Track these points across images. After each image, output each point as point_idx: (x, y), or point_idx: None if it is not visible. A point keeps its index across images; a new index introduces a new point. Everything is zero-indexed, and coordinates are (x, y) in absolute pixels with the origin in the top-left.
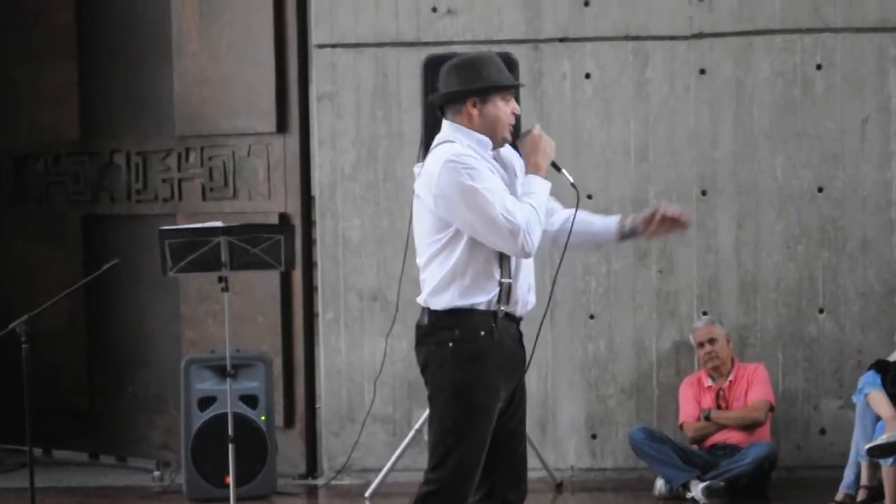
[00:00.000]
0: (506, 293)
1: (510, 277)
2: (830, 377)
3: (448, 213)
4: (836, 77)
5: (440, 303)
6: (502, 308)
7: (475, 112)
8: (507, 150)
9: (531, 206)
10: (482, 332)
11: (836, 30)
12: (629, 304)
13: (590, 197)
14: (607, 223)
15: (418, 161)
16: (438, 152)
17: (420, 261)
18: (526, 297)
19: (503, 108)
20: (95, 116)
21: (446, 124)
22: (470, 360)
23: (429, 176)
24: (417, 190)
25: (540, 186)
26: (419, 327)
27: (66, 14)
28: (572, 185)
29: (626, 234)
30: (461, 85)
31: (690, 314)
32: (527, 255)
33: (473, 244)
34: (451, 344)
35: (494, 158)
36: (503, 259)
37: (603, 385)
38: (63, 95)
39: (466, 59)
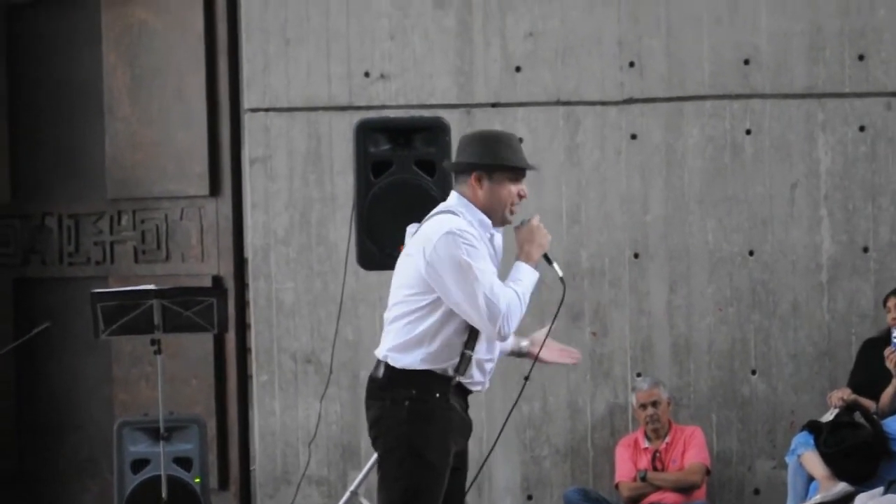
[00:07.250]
0: (465, 365)
1: (472, 351)
2: (764, 438)
3: (435, 281)
4: (765, 142)
5: (401, 362)
6: (458, 378)
7: (478, 186)
8: (497, 238)
9: (515, 294)
10: (437, 394)
11: (765, 96)
12: (563, 365)
13: None
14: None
15: (351, 223)
16: (441, 221)
17: (389, 314)
18: (483, 378)
19: (508, 188)
20: (27, 179)
21: (454, 194)
22: (426, 420)
23: (426, 240)
24: (409, 249)
25: (528, 274)
26: (373, 380)
27: None
28: (560, 279)
29: (516, 353)
30: (472, 158)
31: (624, 376)
32: (502, 339)
33: (449, 315)
34: (407, 403)
35: (490, 240)
36: (472, 334)
37: (538, 446)
38: None
39: (485, 134)
